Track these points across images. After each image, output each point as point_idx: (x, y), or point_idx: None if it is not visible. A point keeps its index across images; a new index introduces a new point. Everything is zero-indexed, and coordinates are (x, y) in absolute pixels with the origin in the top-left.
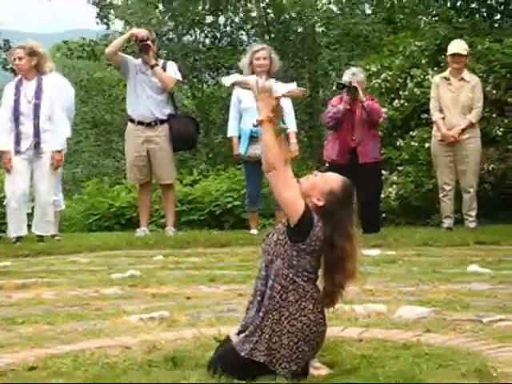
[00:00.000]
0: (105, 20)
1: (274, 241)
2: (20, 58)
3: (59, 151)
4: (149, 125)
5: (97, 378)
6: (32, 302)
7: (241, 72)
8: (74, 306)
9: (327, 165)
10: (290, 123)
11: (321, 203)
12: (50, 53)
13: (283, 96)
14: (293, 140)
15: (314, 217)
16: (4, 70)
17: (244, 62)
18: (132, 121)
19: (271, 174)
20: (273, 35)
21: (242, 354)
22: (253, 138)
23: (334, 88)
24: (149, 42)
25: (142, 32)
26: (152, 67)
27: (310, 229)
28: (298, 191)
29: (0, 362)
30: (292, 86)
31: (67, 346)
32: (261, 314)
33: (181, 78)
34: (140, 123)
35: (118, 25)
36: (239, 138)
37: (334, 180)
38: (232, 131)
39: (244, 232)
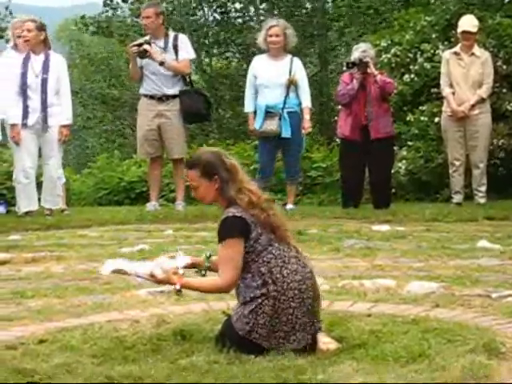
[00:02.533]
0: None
1: None
2: (29, 31)
3: (66, 126)
4: (160, 99)
5: (106, 352)
6: (41, 275)
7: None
8: (84, 279)
9: (339, 140)
10: (305, 99)
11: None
12: (59, 27)
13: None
14: (306, 116)
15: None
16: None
17: (260, 38)
18: (145, 95)
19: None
20: (282, 9)
21: (241, 333)
22: (268, 114)
23: (344, 68)
24: (144, 47)
25: (133, 46)
26: (161, 64)
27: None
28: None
29: (9, 336)
30: (186, 260)
31: (76, 319)
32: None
33: (194, 56)
34: (152, 97)
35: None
36: (255, 113)
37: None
38: (248, 107)
39: None
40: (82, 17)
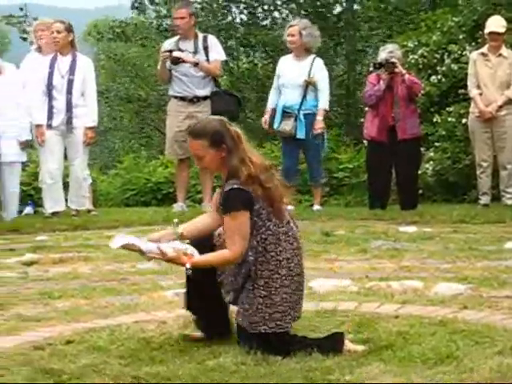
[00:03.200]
0: (141, 8)
1: None
2: (58, 32)
3: (92, 128)
4: (191, 101)
5: (133, 353)
6: (69, 276)
7: None
8: (111, 280)
9: (365, 142)
10: (322, 100)
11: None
12: (87, 28)
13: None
14: (319, 117)
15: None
16: (23, 40)
17: (284, 37)
18: (174, 97)
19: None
20: (310, 10)
21: (250, 331)
22: (285, 114)
23: (371, 69)
24: (174, 55)
25: (164, 53)
26: (195, 65)
27: None
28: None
29: (37, 336)
30: (181, 246)
31: (103, 320)
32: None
33: (225, 57)
34: (182, 99)
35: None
36: (275, 111)
37: None
38: (269, 104)
39: None
40: (95, 25)
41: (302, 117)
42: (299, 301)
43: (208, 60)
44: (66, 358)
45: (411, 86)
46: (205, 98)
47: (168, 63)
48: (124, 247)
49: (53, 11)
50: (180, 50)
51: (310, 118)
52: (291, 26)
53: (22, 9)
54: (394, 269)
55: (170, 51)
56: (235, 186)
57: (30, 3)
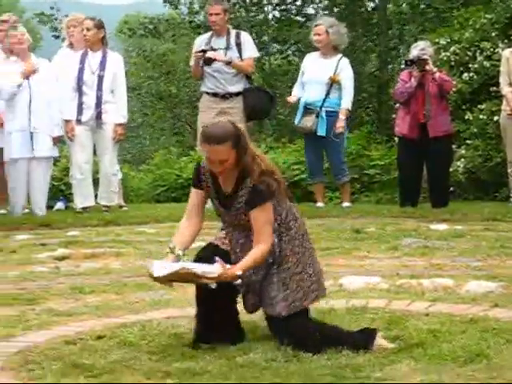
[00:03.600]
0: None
1: None
2: (88, 29)
3: (121, 124)
4: (223, 97)
5: (164, 348)
6: (100, 271)
7: None
8: (142, 276)
9: (397, 139)
10: (345, 99)
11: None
12: (119, 24)
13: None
14: (341, 116)
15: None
16: (55, 38)
17: (310, 36)
18: (207, 93)
19: None
20: (342, 6)
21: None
22: (307, 110)
23: (403, 66)
24: (207, 55)
25: (197, 53)
26: (228, 64)
27: None
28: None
29: (68, 331)
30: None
31: (134, 315)
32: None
33: (258, 54)
34: (214, 95)
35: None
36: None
37: None
38: (292, 94)
39: (310, 205)
40: (126, 22)
41: (323, 114)
42: (321, 268)
43: (241, 57)
44: (96, 353)
45: (442, 83)
46: (237, 94)
47: (201, 62)
48: (169, 278)
49: (85, 7)
50: (213, 48)
51: (332, 115)
52: (317, 24)
53: (52, 8)
54: (425, 266)
55: (204, 51)
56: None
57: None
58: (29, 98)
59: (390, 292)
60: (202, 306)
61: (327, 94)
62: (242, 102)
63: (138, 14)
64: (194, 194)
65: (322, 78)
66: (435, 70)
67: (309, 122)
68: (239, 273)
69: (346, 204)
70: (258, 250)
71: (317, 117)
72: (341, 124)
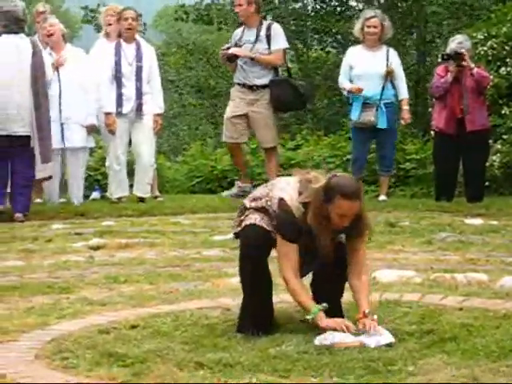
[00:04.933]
0: None
1: None
2: (133, 19)
3: (160, 114)
4: (251, 88)
5: (197, 339)
6: (134, 261)
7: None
8: (176, 266)
9: (433, 133)
10: (402, 90)
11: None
12: (157, 13)
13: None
14: (405, 107)
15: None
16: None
17: (356, 27)
18: (238, 83)
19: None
20: (381, 1)
21: None
22: (365, 105)
23: (440, 60)
24: (231, 51)
25: (222, 51)
26: (251, 59)
27: None
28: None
29: (102, 320)
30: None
31: (168, 306)
32: None
33: (287, 45)
34: (243, 86)
35: None
36: (351, 103)
37: None
38: (347, 85)
39: None
40: (182, 5)
41: (383, 106)
42: None
43: (269, 48)
44: (130, 342)
45: (480, 79)
46: (264, 86)
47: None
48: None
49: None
50: (237, 44)
51: (390, 107)
52: (371, 17)
53: (99, 5)
54: (459, 261)
55: (228, 48)
56: None
57: None
58: (59, 89)
59: (423, 286)
60: (257, 295)
61: (384, 87)
62: (268, 94)
63: (176, 3)
64: (293, 249)
65: (377, 71)
66: (472, 65)
67: (370, 116)
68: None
69: (382, 197)
70: (366, 280)
71: (376, 110)
72: (407, 115)
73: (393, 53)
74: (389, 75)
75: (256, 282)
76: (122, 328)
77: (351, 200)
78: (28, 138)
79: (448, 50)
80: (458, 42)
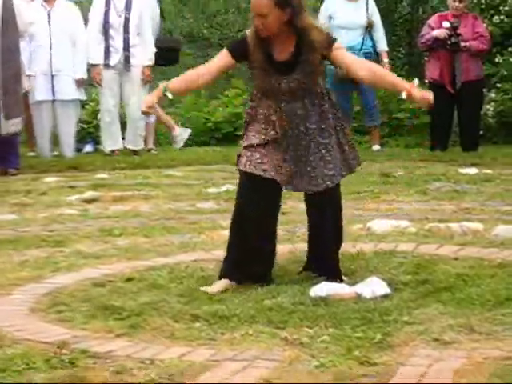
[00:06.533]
0: None
1: None
2: None
3: (149, 66)
4: None
5: (192, 291)
6: (129, 214)
7: None
8: (170, 219)
9: (427, 83)
10: (381, 41)
11: None
12: None
13: None
14: (385, 59)
15: None
16: None
17: None
18: None
19: None
20: None
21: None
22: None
23: (448, 25)
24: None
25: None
26: None
27: None
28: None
29: (97, 273)
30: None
31: (163, 258)
32: None
33: None
34: None
35: None
36: None
37: None
38: None
39: None
40: None
41: (362, 57)
42: None
43: None
44: (125, 295)
45: (476, 52)
46: None
47: None
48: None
49: None
50: None
51: (369, 57)
52: None
53: None
54: (454, 210)
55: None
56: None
57: None
58: (49, 40)
59: (418, 236)
60: (238, 234)
61: (364, 37)
62: None
63: None
64: (223, 56)
65: (358, 22)
66: (468, 44)
67: None
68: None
69: (376, 147)
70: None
71: None
72: (388, 67)
73: (372, 3)
74: (369, 26)
75: (238, 219)
76: (117, 281)
77: None
78: None
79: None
80: None
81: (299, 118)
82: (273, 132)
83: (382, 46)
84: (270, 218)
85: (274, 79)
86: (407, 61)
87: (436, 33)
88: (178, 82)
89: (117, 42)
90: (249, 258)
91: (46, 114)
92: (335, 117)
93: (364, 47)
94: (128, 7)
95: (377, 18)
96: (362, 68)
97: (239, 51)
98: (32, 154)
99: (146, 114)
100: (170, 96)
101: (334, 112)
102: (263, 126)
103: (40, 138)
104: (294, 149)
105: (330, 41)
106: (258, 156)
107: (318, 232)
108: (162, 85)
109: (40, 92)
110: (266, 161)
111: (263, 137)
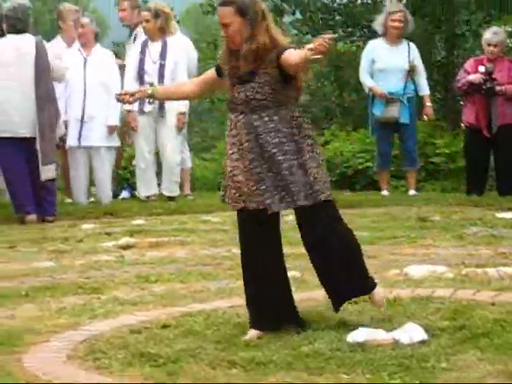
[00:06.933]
0: None
1: None
2: (147, 21)
3: (183, 113)
4: None
5: (229, 338)
6: (165, 260)
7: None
8: (207, 265)
9: (464, 127)
10: (423, 85)
11: None
12: (185, 12)
13: None
14: (428, 103)
15: None
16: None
17: (379, 21)
18: None
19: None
20: None
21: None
22: (389, 100)
23: (483, 70)
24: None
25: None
26: None
27: None
28: None
29: (134, 320)
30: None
31: (199, 304)
32: None
33: None
34: None
35: None
36: (372, 99)
37: None
38: (370, 82)
39: (375, 193)
40: (188, 12)
41: (405, 101)
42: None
43: None
44: (162, 342)
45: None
46: None
47: None
48: None
49: None
50: None
51: (412, 101)
52: (396, 11)
53: None
54: (491, 255)
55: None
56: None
57: None
58: (83, 86)
59: (455, 281)
60: (251, 284)
61: (406, 81)
62: None
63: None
64: (210, 71)
65: (400, 66)
66: (503, 88)
67: (393, 111)
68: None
69: (412, 192)
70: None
71: (399, 105)
72: (430, 110)
73: (414, 48)
74: (411, 71)
75: (246, 263)
76: (153, 328)
77: (220, 5)
78: (34, 139)
79: (483, 41)
80: (493, 32)
81: (256, 130)
82: (237, 146)
83: (424, 90)
84: (270, 251)
85: (235, 89)
86: (443, 105)
87: (471, 78)
88: (167, 87)
89: None
90: (267, 305)
91: (80, 161)
92: (302, 138)
93: (406, 91)
94: (163, 55)
95: (419, 63)
96: (294, 55)
97: (218, 65)
98: (69, 200)
99: (118, 100)
100: (149, 91)
101: (303, 134)
102: (232, 140)
103: (75, 184)
104: (258, 164)
105: (281, 51)
106: (231, 184)
107: (314, 249)
108: (149, 83)
109: (73, 138)
110: (239, 186)
111: (234, 150)
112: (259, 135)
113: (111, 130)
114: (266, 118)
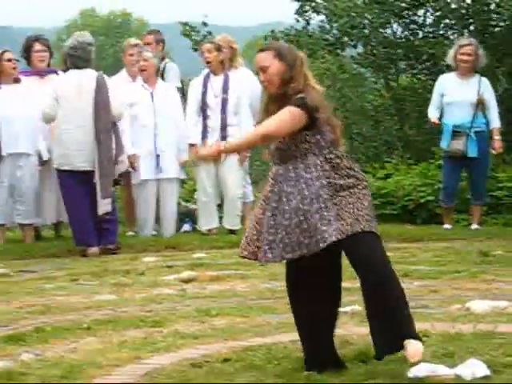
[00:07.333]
0: (305, 16)
1: None
2: (209, 51)
3: None
4: None
5: (290, 372)
6: (226, 294)
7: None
8: (267, 298)
9: None
10: (494, 119)
11: None
12: (245, 46)
13: None
14: (497, 136)
15: None
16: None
17: (450, 54)
18: None
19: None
20: (472, 28)
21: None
22: (455, 133)
23: None
24: None
25: None
26: None
27: None
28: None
29: (195, 354)
30: None
31: (260, 338)
32: None
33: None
34: None
35: (315, 19)
36: (441, 131)
37: None
38: (433, 114)
39: (437, 227)
40: (272, 31)
41: (473, 135)
42: None
43: None
44: (222, 376)
45: None
46: None
47: None
48: None
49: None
50: None
51: (481, 135)
52: (466, 45)
53: (205, 23)
54: None
55: None
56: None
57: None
58: (153, 120)
59: None
60: (305, 326)
61: (475, 115)
62: None
63: (266, 35)
64: None
65: (468, 99)
66: None
67: (460, 144)
68: (223, 147)
69: (475, 226)
70: (254, 130)
71: (467, 139)
72: (499, 144)
73: (485, 81)
74: (480, 104)
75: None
76: (214, 361)
77: (258, 52)
78: (93, 172)
79: None
80: None
81: (280, 179)
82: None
83: (494, 123)
84: (308, 294)
85: None
86: (506, 139)
87: None
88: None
89: (214, 122)
90: (317, 347)
91: (151, 193)
92: (338, 179)
93: (475, 125)
94: (225, 88)
95: (490, 96)
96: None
97: None
98: (131, 233)
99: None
100: (222, 147)
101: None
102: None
103: (144, 216)
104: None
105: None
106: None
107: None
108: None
109: (146, 171)
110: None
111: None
112: (281, 183)
113: (182, 164)
114: (290, 167)
